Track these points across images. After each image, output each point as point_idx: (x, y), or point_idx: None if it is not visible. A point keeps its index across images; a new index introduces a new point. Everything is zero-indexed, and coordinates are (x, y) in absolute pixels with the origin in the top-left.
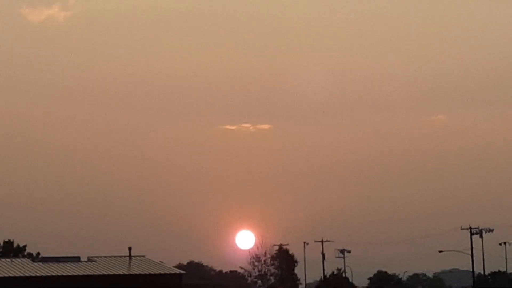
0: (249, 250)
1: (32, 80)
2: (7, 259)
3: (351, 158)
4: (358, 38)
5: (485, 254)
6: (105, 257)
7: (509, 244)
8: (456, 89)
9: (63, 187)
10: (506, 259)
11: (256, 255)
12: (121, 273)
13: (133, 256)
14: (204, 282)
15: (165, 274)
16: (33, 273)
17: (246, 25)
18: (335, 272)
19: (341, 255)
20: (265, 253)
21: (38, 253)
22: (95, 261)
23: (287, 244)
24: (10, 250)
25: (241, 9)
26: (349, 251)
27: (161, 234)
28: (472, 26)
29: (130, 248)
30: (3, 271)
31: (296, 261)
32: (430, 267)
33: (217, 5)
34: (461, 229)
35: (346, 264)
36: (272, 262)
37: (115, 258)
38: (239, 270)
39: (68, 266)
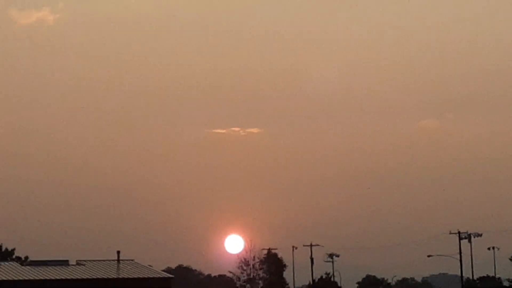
0: (238, 254)
1: (21, 83)
2: None
3: (340, 162)
4: (350, 43)
5: (473, 259)
6: (94, 261)
7: (498, 249)
8: (447, 94)
9: (51, 191)
10: (494, 263)
11: (245, 259)
12: (110, 277)
13: (122, 260)
14: (192, 286)
15: (154, 278)
16: (21, 277)
17: (236, 30)
18: (324, 277)
19: (329, 259)
20: (254, 257)
21: (27, 257)
22: (83, 265)
23: (276, 248)
24: None
25: (231, 15)
26: (337, 256)
27: (150, 238)
28: (464, 33)
29: (118, 252)
30: None
31: (285, 265)
32: (419, 271)
33: (207, 11)
34: (450, 233)
35: (334, 268)
36: (261, 266)
37: (103, 262)
38: (228, 275)
39: (56, 270)
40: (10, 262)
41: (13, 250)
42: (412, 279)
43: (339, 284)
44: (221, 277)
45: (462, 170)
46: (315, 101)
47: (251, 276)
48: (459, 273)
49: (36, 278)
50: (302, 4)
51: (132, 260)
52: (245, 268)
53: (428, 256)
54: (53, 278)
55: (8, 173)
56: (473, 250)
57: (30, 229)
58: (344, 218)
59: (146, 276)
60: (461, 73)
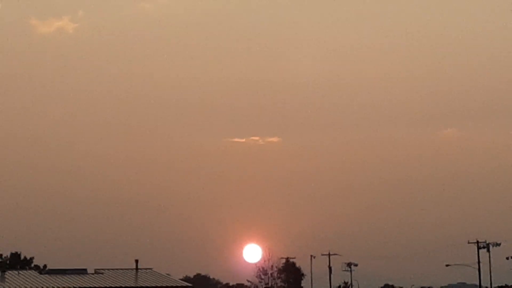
0: (256, 263)
1: (42, 91)
2: (14, 271)
3: (359, 171)
4: (368, 49)
5: (492, 268)
6: (112, 269)
7: None
8: (467, 102)
9: (70, 199)
10: None
11: (263, 268)
12: (128, 285)
13: (140, 269)
14: None
15: (172, 287)
16: (40, 285)
17: (256, 38)
18: (342, 286)
19: (348, 268)
20: (272, 266)
21: (45, 265)
22: (102, 274)
23: (294, 257)
24: (17, 262)
25: (249, 23)
26: (356, 265)
27: (168, 247)
28: (484, 39)
29: (137, 261)
30: (10, 283)
31: (303, 274)
32: (437, 281)
33: (226, 18)
34: (468, 243)
35: (353, 277)
36: (279, 275)
37: (122, 271)
38: (246, 283)
39: (74, 279)
40: (29, 271)
41: (31, 258)
42: None
43: None
44: (239, 286)
45: (481, 179)
46: (334, 110)
47: (269, 285)
48: (477, 283)
49: (55, 286)
50: (321, 12)
51: (150, 268)
52: (263, 277)
53: (446, 265)
54: (71, 286)
55: (26, 182)
56: (491, 259)
57: (48, 237)
58: (363, 227)
59: (164, 285)
60: (482, 81)
